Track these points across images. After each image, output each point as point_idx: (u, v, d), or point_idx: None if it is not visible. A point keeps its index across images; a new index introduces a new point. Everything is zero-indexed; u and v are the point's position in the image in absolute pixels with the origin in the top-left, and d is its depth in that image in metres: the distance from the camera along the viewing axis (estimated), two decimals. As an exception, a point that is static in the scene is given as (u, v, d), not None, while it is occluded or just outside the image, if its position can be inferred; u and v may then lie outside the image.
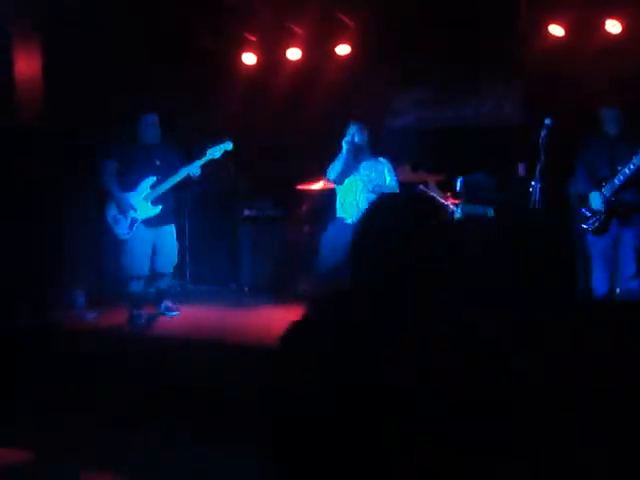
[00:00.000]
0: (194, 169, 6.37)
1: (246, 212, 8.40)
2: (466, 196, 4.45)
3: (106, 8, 6.91)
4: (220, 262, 8.46)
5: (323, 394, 1.68)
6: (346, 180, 6.10)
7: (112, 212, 6.33)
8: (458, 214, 4.34)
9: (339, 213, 6.19)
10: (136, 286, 6.39)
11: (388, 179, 6.19)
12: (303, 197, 7.98)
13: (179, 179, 6.36)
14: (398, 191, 6.42)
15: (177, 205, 6.89)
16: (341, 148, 6.08)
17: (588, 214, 5.87)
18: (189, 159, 6.48)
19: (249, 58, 8.52)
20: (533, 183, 5.69)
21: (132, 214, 6.29)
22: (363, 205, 6.05)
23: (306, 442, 1.71)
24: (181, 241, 6.93)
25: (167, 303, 6.77)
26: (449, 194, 7.44)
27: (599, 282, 5.99)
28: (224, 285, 8.28)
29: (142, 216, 6.31)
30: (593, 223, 5.85)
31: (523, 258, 3.18)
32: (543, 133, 5.56)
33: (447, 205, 7.40)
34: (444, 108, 8.55)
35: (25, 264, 6.32)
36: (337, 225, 6.12)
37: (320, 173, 6.56)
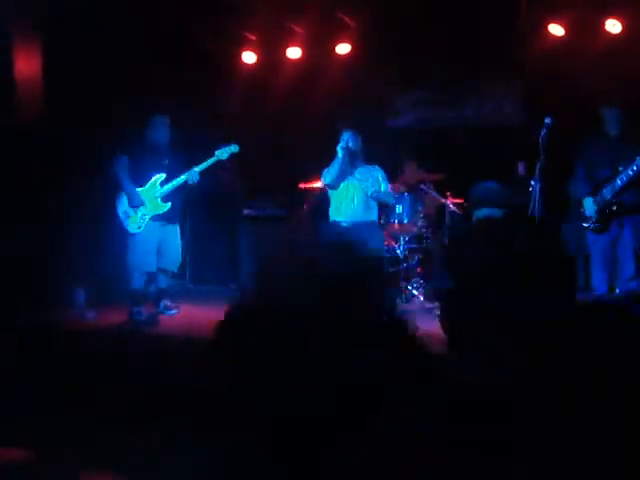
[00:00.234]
0: (199, 170, 6.42)
1: (246, 211, 8.41)
2: (480, 201, 4.48)
3: (106, 8, 6.90)
4: (220, 261, 8.46)
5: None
6: (342, 185, 6.15)
7: (123, 206, 6.36)
8: (475, 217, 4.38)
9: (334, 217, 6.24)
10: (139, 282, 6.40)
11: (383, 186, 6.26)
12: (304, 196, 7.99)
13: (188, 177, 6.40)
14: (393, 198, 6.45)
15: (183, 205, 6.90)
16: (336, 153, 6.14)
17: (588, 214, 5.87)
18: (192, 159, 6.51)
19: (249, 57, 8.52)
20: (533, 183, 5.68)
21: (142, 209, 6.33)
22: (360, 208, 6.11)
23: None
24: (181, 240, 6.92)
25: (166, 302, 6.78)
26: (449, 194, 7.45)
27: (598, 281, 5.99)
28: (224, 284, 8.28)
29: (152, 212, 6.35)
30: (593, 223, 5.86)
31: (525, 259, 3.19)
32: (543, 132, 5.55)
33: (447, 204, 7.43)
34: (444, 108, 8.56)
35: (25, 264, 6.32)
36: (332, 228, 6.13)
37: (320, 172, 6.55)
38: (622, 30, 6.97)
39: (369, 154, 6.44)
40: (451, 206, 7.42)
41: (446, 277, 3.45)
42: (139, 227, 6.34)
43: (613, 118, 5.79)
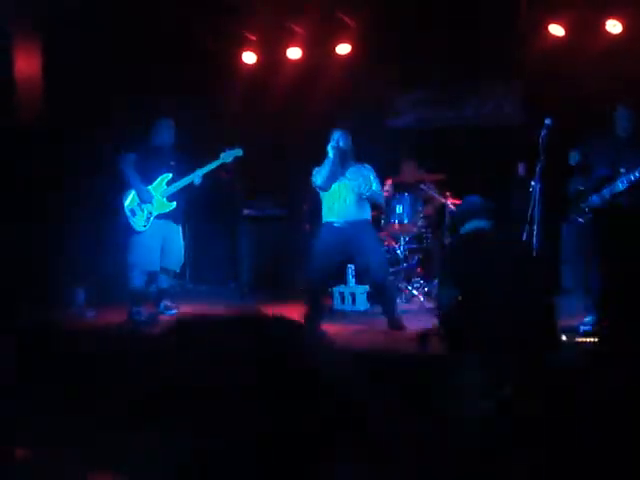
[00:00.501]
0: (204, 172, 6.43)
1: (246, 211, 8.41)
2: (467, 214, 4.56)
3: (106, 8, 6.90)
4: (220, 262, 8.47)
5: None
6: (334, 185, 6.06)
7: (130, 203, 6.35)
8: (462, 231, 4.45)
9: (327, 218, 6.13)
10: (139, 281, 6.39)
11: (374, 185, 6.14)
12: (303, 196, 7.99)
13: (194, 178, 6.41)
14: (383, 197, 6.38)
15: (186, 206, 6.91)
16: (327, 154, 6.04)
17: (587, 209, 5.84)
18: (194, 160, 6.52)
19: (249, 57, 8.52)
20: (533, 183, 5.68)
21: (149, 207, 6.32)
22: (352, 208, 6.02)
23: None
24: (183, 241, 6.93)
25: (166, 302, 6.79)
26: (449, 194, 7.45)
27: (594, 280, 5.98)
28: (224, 284, 8.28)
29: (158, 211, 6.35)
30: (588, 218, 5.83)
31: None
32: (543, 133, 5.54)
33: (447, 204, 7.43)
34: (444, 108, 8.56)
35: (25, 264, 6.32)
36: (326, 230, 6.07)
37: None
38: (622, 30, 6.97)
39: (368, 154, 6.43)
40: (451, 206, 7.42)
41: (448, 295, 3.46)
42: (145, 225, 6.34)
43: (624, 118, 5.76)
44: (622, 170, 5.63)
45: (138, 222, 6.34)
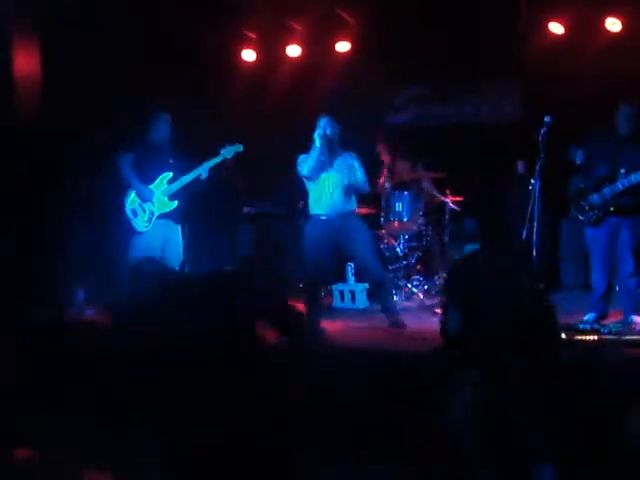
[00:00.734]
0: (206, 168, 6.39)
1: (246, 209, 8.42)
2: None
3: (106, 8, 6.90)
4: (220, 260, 8.46)
5: None
6: (321, 176, 5.96)
7: (131, 204, 6.33)
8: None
9: (314, 210, 6.05)
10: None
11: (359, 174, 6.03)
12: (299, 194, 7.98)
13: (194, 176, 6.38)
14: (368, 185, 6.22)
15: (186, 205, 6.90)
16: (313, 142, 5.91)
17: (587, 207, 5.84)
18: (193, 158, 6.50)
19: (249, 55, 8.52)
20: (533, 181, 5.68)
21: (151, 207, 6.31)
22: (339, 200, 5.95)
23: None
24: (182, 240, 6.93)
25: None
26: (448, 191, 7.46)
27: (598, 280, 5.98)
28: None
29: (160, 210, 6.32)
30: (591, 216, 5.83)
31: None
32: (543, 131, 5.54)
33: (447, 202, 7.44)
34: (444, 105, 8.55)
35: (25, 264, 6.32)
36: (314, 223, 6.03)
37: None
38: (622, 28, 6.97)
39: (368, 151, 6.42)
40: (451, 204, 7.43)
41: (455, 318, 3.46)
42: (147, 226, 6.32)
43: (626, 117, 5.75)
44: (622, 171, 5.63)
45: (140, 223, 6.32)
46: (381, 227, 7.48)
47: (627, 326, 5.68)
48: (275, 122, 8.30)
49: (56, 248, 6.74)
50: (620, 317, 5.90)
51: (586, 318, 5.89)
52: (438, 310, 6.79)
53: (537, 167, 5.61)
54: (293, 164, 6.08)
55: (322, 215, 5.95)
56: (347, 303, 7.02)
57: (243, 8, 7.81)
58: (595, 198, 5.74)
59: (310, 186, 6.05)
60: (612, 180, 5.68)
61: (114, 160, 6.33)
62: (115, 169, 6.32)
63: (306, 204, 6.16)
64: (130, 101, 7.03)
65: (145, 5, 7.20)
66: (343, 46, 8.24)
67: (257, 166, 8.17)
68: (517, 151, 7.46)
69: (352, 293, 7.08)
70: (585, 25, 7.11)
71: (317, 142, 5.86)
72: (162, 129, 6.43)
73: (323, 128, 5.87)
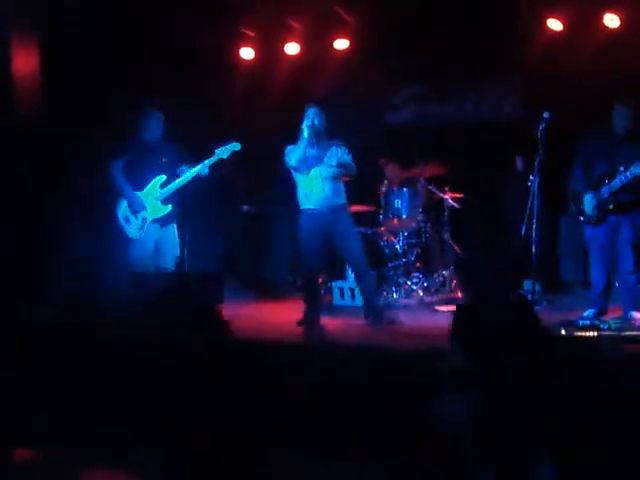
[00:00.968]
0: (203, 169, 6.37)
1: (245, 208, 8.42)
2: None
3: (106, 8, 6.90)
4: (219, 258, 8.47)
5: None
6: (312, 172, 5.90)
7: (123, 211, 6.32)
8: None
9: (304, 205, 6.01)
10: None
11: (347, 159, 5.92)
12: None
13: (189, 179, 6.36)
14: (355, 169, 6.05)
15: (181, 207, 6.89)
16: (301, 132, 5.88)
17: (587, 209, 5.86)
18: (193, 157, 6.49)
19: (247, 53, 8.52)
20: (532, 177, 5.69)
21: (143, 214, 6.29)
22: (329, 194, 5.92)
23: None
24: (180, 237, 6.93)
25: None
26: (447, 188, 7.46)
27: (597, 277, 5.99)
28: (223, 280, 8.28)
29: (153, 216, 6.30)
30: (591, 217, 5.84)
31: None
32: (541, 127, 5.54)
33: (445, 199, 7.44)
34: (443, 104, 8.55)
35: (25, 264, 6.33)
36: (306, 218, 6.01)
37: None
38: (620, 24, 6.96)
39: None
40: (450, 201, 7.43)
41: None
42: (140, 232, 6.30)
43: (622, 116, 5.76)
44: (621, 168, 5.63)
45: (132, 230, 6.30)
46: (380, 224, 7.48)
47: (627, 322, 5.70)
48: (274, 120, 8.29)
49: (56, 248, 6.75)
50: (620, 313, 5.91)
51: (586, 314, 5.91)
52: (438, 308, 6.83)
53: (536, 163, 5.62)
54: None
55: (313, 209, 5.93)
56: (347, 300, 7.02)
57: (242, 6, 7.81)
58: (596, 197, 5.74)
59: (300, 181, 6.02)
60: (611, 178, 5.69)
61: (107, 165, 6.31)
62: (107, 175, 6.31)
63: (295, 199, 6.11)
64: (130, 101, 7.03)
65: (145, 5, 7.20)
66: (342, 44, 8.24)
67: (256, 165, 8.17)
68: (516, 148, 7.46)
69: (352, 290, 7.08)
70: (584, 21, 7.11)
71: (305, 132, 5.83)
72: (155, 127, 6.39)
73: (312, 119, 5.84)
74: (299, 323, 6.00)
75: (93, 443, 3.32)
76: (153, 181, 6.33)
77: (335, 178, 5.93)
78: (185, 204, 6.69)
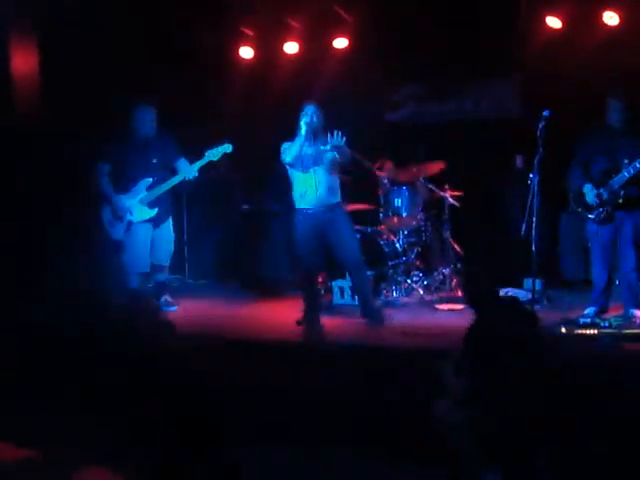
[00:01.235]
0: (192, 172, 6.35)
1: (244, 206, 8.42)
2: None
3: (106, 8, 6.90)
4: (219, 257, 8.48)
5: None
6: (309, 171, 5.91)
7: (107, 215, 6.33)
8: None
9: (299, 204, 6.02)
10: (134, 283, 6.42)
11: (342, 142, 5.78)
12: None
13: (176, 183, 6.35)
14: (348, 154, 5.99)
15: (174, 201, 6.89)
16: (299, 129, 5.88)
17: (595, 205, 5.83)
18: (188, 156, 6.49)
19: (247, 52, 8.52)
20: (531, 175, 5.68)
21: (128, 217, 6.29)
22: (324, 194, 5.92)
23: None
24: (180, 236, 6.96)
25: (167, 297, 6.80)
26: (447, 187, 7.45)
27: (598, 275, 5.99)
28: (223, 280, 8.29)
29: (138, 219, 6.32)
30: (599, 214, 5.82)
31: None
32: (541, 125, 5.54)
33: (445, 197, 7.43)
34: (443, 102, 8.55)
35: (25, 264, 6.33)
36: (301, 218, 6.00)
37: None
38: (620, 22, 6.95)
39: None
40: (450, 199, 7.43)
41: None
42: (124, 234, 6.31)
43: (616, 110, 5.76)
44: (625, 161, 5.63)
45: (116, 232, 6.33)
46: (380, 223, 7.48)
47: (627, 320, 5.70)
48: (273, 119, 8.28)
49: (56, 248, 6.74)
50: (620, 311, 5.92)
51: (586, 312, 5.91)
52: (438, 306, 6.83)
53: (536, 161, 5.61)
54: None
55: (308, 209, 5.94)
56: (347, 300, 7.01)
57: (241, 6, 7.81)
58: (603, 192, 5.73)
59: (295, 180, 6.03)
60: (616, 172, 5.68)
61: (92, 172, 6.31)
62: (92, 182, 6.31)
63: (291, 198, 6.11)
64: (130, 101, 7.02)
65: (145, 5, 7.19)
66: (341, 43, 8.23)
67: (256, 163, 8.18)
68: (516, 146, 7.46)
69: (352, 289, 7.08)
70: (583, 19, 7.10)
71: (303, 130, 5.83)
72: (148, 123, 6.37)
73: (310, 116, 5.84)
74: (299, 323, 6.00)
75: (93, 443, 3.31)
76: (140, 184, 6.32)
77: (331, 173, 5.92)
78: (183, 203, 6.70)
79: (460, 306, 6.66)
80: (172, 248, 6.73)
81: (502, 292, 6.44)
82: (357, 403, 4.47)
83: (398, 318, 6.39)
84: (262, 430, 4.26)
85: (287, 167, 6.02)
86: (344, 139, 5.74)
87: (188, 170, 6.35)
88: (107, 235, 6.37)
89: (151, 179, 6.33)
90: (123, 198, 6.32)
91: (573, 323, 5.51)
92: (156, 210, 6.36)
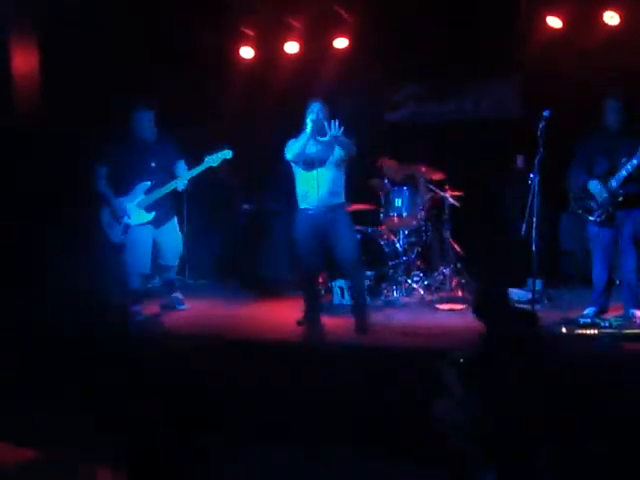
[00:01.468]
0: (182, 182, 6.33)
1: (245, 206, 8.42)
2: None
3: (106, 8, 6.89)
4: (219, 257, 8.47)
5: None
6: (313, 172, 5.84)
7: (106, 217, 6.33)
8: None
9: (302, 204, 5.98)
10: (135, 283, 6.41)
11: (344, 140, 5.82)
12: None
13: (173, 187, 6.34)
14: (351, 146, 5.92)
15: (175, 201, 6.87)
16: (305, 126, 5.82)
17: (595, 206, 5.83)
18: (188, 159, 6.48)
19: (247, 52, 8.52)
20: (532, 176, 5.67)
21: (125, 220, 6.30)
22: (326, 194, 5.88)
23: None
24: (180, 232, 6.94)
25: (178, 295, 6.80)
26: (447, 187, 7.45)
27: (599, 275, 5.99)
28: (223, 280, 8.29)
29: (135, 222, 6.32)
30: (600, 215, 5.81)
31: None
32: (541, 125, 5.53)
33: (446, 197, 7.43)
34: (443, 102, 8.55)
35: (25, 264, 6.33)
36: (303, 216, 5.99)
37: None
38: (620, 22, 6.94)
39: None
40: (450, 199, 7.42)
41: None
42: (121, 237, 6.31)
43: (614, 110, 5.76)
44: (623, 160, 5.63)
45: (114, 234, 6.33)
46: (381, 223, 7.47)
47: (627, 320, 5.70)
48: (274, 118, 8.29)
49: (56, 248, 6.75)
50: (620, 311, 5.91)
51: (586, 312, 5.90)
52: (439, 306, 6.83)
53: (536, 161, 5.60)
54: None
55: (309, 209, 5.93)
56: (347, 300, 7.01)
57: (241, 6, 7.81)
58: (603, 192, 5.72)
59: (299, 179, 6.00)
60: (615, 172, 5.68)
61: (90, 174, 6.31)
62: (91, 184, 6.31)
63: (294, 197, 6.10)
64: (130, 101, 7.03)
65: (145, 5, 7.19)
66: (341, 42, 8.23)
67: (256, 164, 8.17)
68: (516, 146, 7.46)
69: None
70: (583, 19, 7.09)
71: (309, 127, 5.78)
72: (147, 126, 6.36)
73: (316, 113, 5.79)
74: (299, 323, 6.00)
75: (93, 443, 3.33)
76: (138, 187, 6.32)
77: (335, 168, 5.87)
78: (183, 203, 6.70)
79: (460, 306, 6.66)
80: (180, 248, 6.73)
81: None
82: (357, 403, 4.47)
83: (398, 318, 6.39)
84: (262, 430, 4.26)
85: (291, 164, 6.01)
86: (342, 129, 5.70)
87: (181, 178, 6.35)
88: (106, 236, 6.37)
89: (149, 182, 6.32)
90: (121, 200, 6.32)
91: (573, 323, 5.50)
92: (154, 214, 6.35)
